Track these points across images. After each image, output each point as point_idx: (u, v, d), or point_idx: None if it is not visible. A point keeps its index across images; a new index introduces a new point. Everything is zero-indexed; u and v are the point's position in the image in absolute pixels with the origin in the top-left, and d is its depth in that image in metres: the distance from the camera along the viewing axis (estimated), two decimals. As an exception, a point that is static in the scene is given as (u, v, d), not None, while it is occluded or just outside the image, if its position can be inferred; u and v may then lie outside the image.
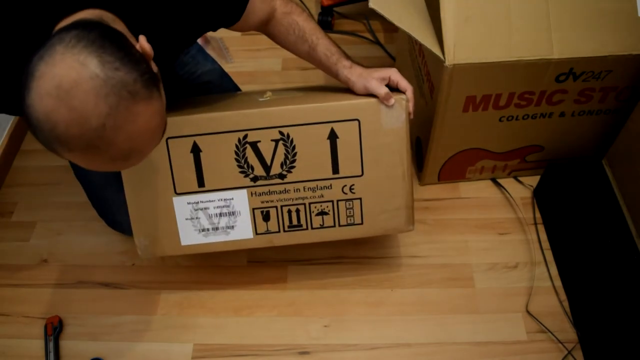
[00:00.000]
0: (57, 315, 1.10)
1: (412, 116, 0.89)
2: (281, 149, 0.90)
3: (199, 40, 1.58)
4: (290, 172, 0.92)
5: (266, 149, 0.90)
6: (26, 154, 1.41)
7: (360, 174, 0.93)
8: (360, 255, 1.17)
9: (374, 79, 0.87)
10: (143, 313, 1.11)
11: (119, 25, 0.65)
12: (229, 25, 0.84)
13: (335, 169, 0.92)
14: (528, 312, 1.07)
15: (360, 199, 0.95)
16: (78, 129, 0.55)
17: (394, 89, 0.89)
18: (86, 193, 1.11)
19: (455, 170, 1.24)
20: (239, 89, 1.15)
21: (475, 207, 1.24)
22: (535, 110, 1.08)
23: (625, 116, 1.01)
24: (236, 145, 0.89)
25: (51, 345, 1.06)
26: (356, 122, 0.89)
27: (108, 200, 1.07)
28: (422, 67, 1.15)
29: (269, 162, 0.91)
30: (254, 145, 0.90)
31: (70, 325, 1.10)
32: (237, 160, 0.91)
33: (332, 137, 0.90)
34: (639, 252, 0.93)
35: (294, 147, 0.90)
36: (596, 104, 1.07)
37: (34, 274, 1.18)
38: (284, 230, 0.96)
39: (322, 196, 0.94)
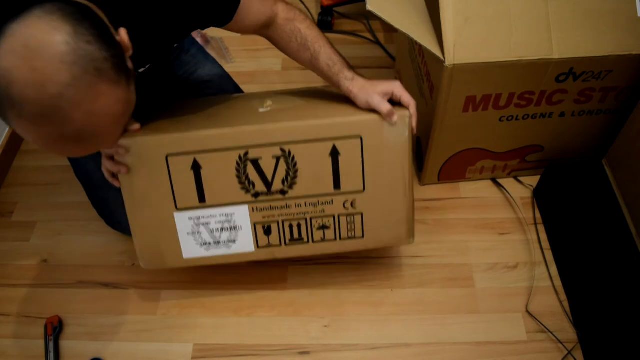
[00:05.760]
0: (57, 315, 1.10)
1: (414, 132, 0.88)
2: (282, 165, 0.90)
3: (199, 40, 1.58)
4: (292, 188, 0.92)
5: (267, 165, 0.90)
6: (26, 154, 1.41)
7: (361, 189, 0.93)
8: (360, 255, 1.17)
9: (377, 94, 0.85)
10: (143, 313, 1.11)
11: (102, 15, 0.64)
12: (220, 24, 0.82)
13: (337, 184, 0.92)
14: (528, 312, 1.07)
15: (361, 213, 0.95)
16: (34, 92, 0.53)
17: (396, 103, 0.88)
18: (86, 193, 1.11)
19: (455, 170, 1.24)
20: (239, 89, 1.14)
21: (475, 207, 1.24)
22: (535, 110, 1.08)
23: (625, 116, 1.01)
24: (237, 162, 0.89)
25: (51, 345, 1.06)
26: (358, 139, 0.88)
27: (108, 200, 1.07)
28: (422, 67, 1.15)
29: (270, 179, 0.91)
30: (255, 162, 0.89)
31: (70, 325, 1.10)
32: (238, 177, 0.90)
33: (334, 153, 0.89)
34: (639, 252, 0.93)
35: (295, 164, 0.90)
36: (596, 104, 1.07)
37: (34, 274, 1.18)
38: (286, 244, 0.97)
39: (324, 211, 0.95)
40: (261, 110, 0.94)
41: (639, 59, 0.97)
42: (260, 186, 0.91)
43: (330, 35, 1.69)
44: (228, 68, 1.18)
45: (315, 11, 1.76)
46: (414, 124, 0.87)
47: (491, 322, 1.06)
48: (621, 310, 0.94)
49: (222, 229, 0.95)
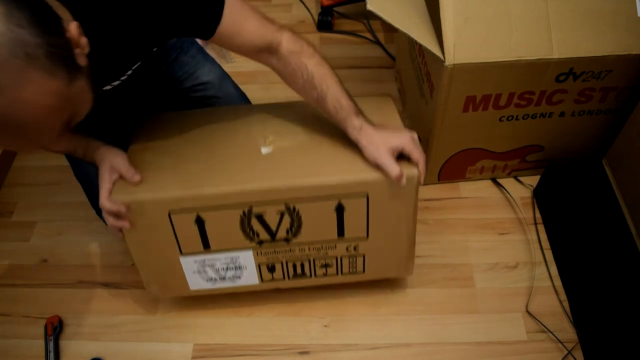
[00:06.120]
0: (57, 315, 1.10)
1: (422, 182, 0.86)
2: (287, 218, 0.89)
3: (199, 41, 1.58)
4: (296, 236, 0.93)
5: (271, 219, 0.89)
6: (26, 154, 1.41)
7: (365, 236, 0.94)
8: (360, 255, 1.17)
9: (385, 152, 0.81)
10: (143, 313, 1.11)
11: (65, 15, 0.62)
12: (203, 36, 0.78)
13: (341, 233, 0.93)
14: (528, 312, 1.07)
15: (363, 255, 0.97)
16: None
17: (405, 156, 0.84)
18: (85, 193, 1.11)
19: (455, 170, 1.24)
20: (238, 89, 1.14)
21: (475, 207, 1.24)
22: (535, 110, 1.08)
23: (625, 116, 1.01)
24: (241, 217, 0.88)
25: (51, 345, 1.06)
26: (364, 197, 0.87)
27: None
28: (422, 67, 1.15)
29: (274, 230, 0.91)
30: (259, 217, 0.89)
31: (70, 325, 1.10)
32: (242, 228, 0.90)
33: (339, 209, 0.89)
34: (639, 252, 0.93)
35: (299, 218, 0.89)
36: (596, 104, 1.07)
37: (34, 274, 1.18)
38: (289, 278, 1.01)
39: (327, 254, 0.96)
40: (263, 150, 0.90)
41: (639, 59, 0.97)
42: (264, 235, 0.92)
43: (330, 35, 1.70)
44: (228, 68, 1.18)
45: (315, 11, 1.76)
46: (422, 179, 0.84)
47: (491, 322, 1.06)
48: (621, 310, 0.94)
49: (227, 268, 0.97)
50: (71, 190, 1.29)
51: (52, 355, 1.05)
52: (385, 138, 0.83)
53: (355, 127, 0.83)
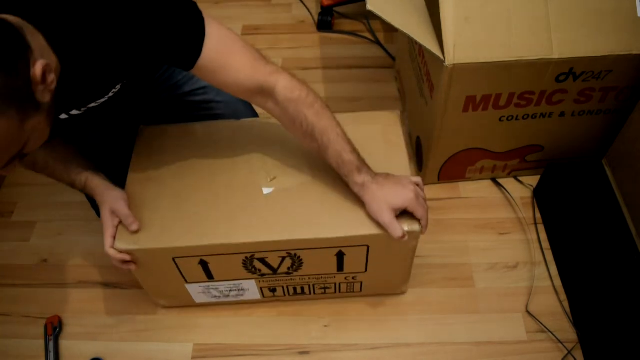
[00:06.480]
0: (57, 315, 1.10)
1: (424, 233, 0.86)
2: (288, 261, 0.92)
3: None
4: (297, 271, 0.96)
5: (273, 261, 0.92)
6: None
7: (364, 271, 0.97)
8: (360, 255, 1.17)
9: (388, 211, 0.80)
10: (143, 313, 1.11)
11: (36, 40, 0.61)
12: (184, 67, 0.74)
13: (340, 269, 0.96)
14: (528, 312, 1.07)
15: (361, 282, 1.02)
16: None
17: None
18: (85, 194, 1.11)
19: (455, 170, 1.24)
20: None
21: (475, 207, 1.24)
22: (535, 110, 1.08)
23: (625, 116, 1.01)
24: (243, 260, 0.90)
25: (51, 345, 1.06)
26: (365, 247, 0.88)
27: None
28: (422, 67, 1.15)
29: (275, 267, 0.94)
30: (262, 259, 0.91)
31: (70, 325, 1.10)
32: (244, 267, 0.93)
33: (340, 255, 0.90)
34: (639, 252, 0.93)
35: (300, 260, 0.92)
36: (596, 104, 1.07)
37: (34, 274, 1.18)
38: (289, 296, 1.06)
39: (326, 281, 1.01)
40: (265, 191, 0.89)
41: (639, 59, 0.97)
42: (266, 271, 0.95)
43: (330, 35, 1.70)
44: (228, 68, 1.18)
45: (315, 11, 1.76)
46: (424, 231, 0.85)
47: (491, 322, 1.06)
48: (621, 310, 0.94)
49: (231, 290, 1.02)
50: (71, 190, 1.27)
51: (52, 355, 1.05)
52: (389, 195, 0.81)
53: (357, 183, 0.81)
